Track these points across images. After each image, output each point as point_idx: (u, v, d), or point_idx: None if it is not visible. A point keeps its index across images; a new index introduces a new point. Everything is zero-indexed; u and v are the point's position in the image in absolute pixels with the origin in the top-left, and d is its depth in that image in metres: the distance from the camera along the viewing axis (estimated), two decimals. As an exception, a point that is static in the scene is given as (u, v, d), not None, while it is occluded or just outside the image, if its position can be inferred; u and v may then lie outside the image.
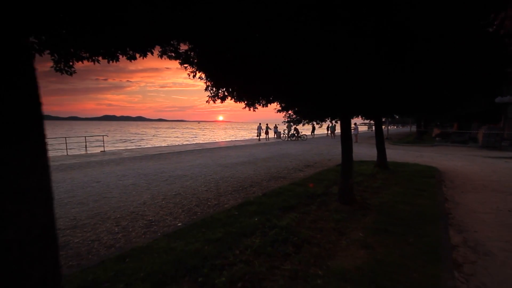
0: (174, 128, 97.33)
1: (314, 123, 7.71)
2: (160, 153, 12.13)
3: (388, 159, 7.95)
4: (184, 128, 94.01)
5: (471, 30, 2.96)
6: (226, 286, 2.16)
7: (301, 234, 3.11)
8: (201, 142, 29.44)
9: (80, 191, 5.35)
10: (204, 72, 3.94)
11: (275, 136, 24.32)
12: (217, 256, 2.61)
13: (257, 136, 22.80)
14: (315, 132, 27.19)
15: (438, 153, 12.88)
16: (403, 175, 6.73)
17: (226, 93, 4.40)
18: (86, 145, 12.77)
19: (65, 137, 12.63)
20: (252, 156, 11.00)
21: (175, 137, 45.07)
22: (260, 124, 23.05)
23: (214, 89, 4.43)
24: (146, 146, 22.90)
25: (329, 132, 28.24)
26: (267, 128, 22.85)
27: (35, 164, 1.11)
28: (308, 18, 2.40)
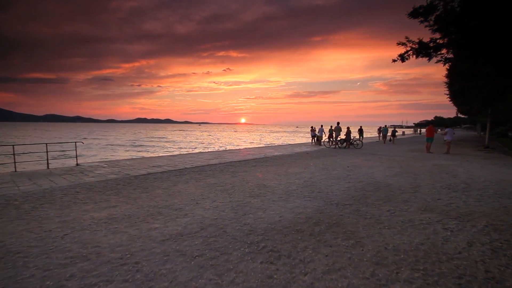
0: (163, 130, 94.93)
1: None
2: (149, 173, 7.09)
3: None
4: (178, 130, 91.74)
5: None
6: None
7: None
8: (219, 149, 24.31)
9: None
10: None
11: (313, 142, 18.52)
12: None
13: (318, 140, 17.21)
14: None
15: None
16: None
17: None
18: (47, 158, 8.13)
19: (13, 145, 8.19)
20: (315, 190, 5.33)
21: (195, 139, 41.01)
22: (322, 126, 17.20)
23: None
24: (144, 156, 18.46)
25: (381, 135, 22.24)
26: (331, 131, 16.59)
27: None
28: None
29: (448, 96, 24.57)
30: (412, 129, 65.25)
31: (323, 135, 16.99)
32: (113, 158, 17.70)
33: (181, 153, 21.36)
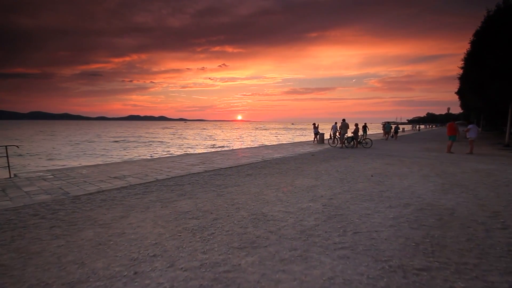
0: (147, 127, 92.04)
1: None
2: (100, 191, 4.95)
3: None
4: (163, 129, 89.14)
5: None
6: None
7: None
8: (208, 150, 21.81)
9: None
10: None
11: (316, 141, 16.70)
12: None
13: (331, 138, 15.14)
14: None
15: None
16: None
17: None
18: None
19: None
20: (347, 226, 3.23)
21: (184, 138, 38.66)
22: (336, 123, 14.93)
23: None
24: (113, 161, 16.24)
25: (385, 132, 21.64)
26: (357, 127, 14.09)
27: None
28: None
29: (459, 88, 22.90)
30: (411, 126, 70.52)
31: (337, 133, 14.99)
32: (76, 163, 15.31)
33: (162, 155, 19.17)
